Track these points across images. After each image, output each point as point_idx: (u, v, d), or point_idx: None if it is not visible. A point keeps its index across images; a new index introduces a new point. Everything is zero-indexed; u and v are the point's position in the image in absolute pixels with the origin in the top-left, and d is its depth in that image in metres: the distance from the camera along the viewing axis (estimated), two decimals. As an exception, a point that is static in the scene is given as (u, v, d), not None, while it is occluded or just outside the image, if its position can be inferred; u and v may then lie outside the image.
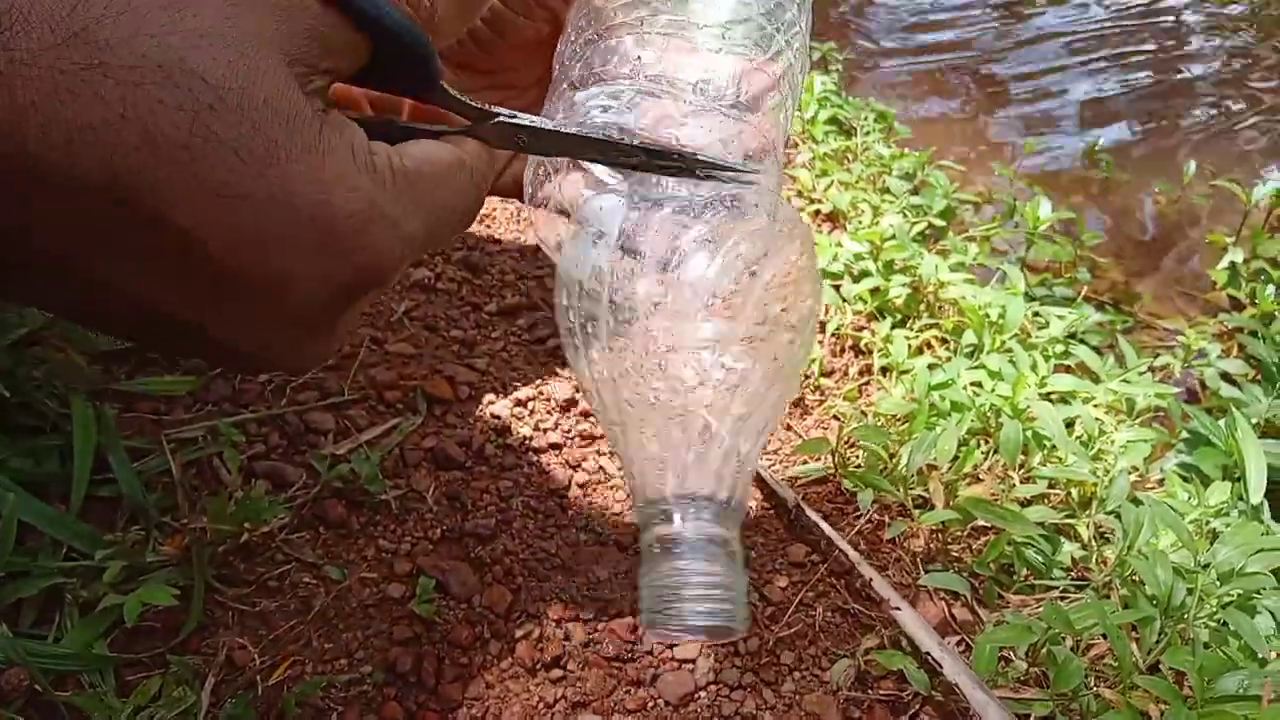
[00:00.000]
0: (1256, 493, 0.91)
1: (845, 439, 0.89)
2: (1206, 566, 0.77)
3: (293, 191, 0.25)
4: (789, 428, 0.96)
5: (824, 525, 0.81)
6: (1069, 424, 0.96)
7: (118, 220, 0.23)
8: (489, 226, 1.18)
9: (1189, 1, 2.60)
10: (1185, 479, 1.02)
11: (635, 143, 0.35)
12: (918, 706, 0.70)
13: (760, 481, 0.87)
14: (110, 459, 0.71)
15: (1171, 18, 2.56)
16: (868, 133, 1.55)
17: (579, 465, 0.86)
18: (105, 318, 0.28)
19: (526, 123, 0.36)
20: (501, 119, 0.35)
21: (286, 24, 0.26)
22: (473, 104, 0.35)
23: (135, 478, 0.71)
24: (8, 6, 0.22)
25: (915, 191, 1.44)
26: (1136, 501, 0.83)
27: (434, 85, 0.33)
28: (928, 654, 0.69)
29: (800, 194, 1.36)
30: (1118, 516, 0.82)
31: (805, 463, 0.90)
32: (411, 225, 0.30)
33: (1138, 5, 2.60)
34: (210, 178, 0.24)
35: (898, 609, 0.73)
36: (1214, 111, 2.20)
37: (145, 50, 0.23)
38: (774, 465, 0.90)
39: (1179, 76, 2.32)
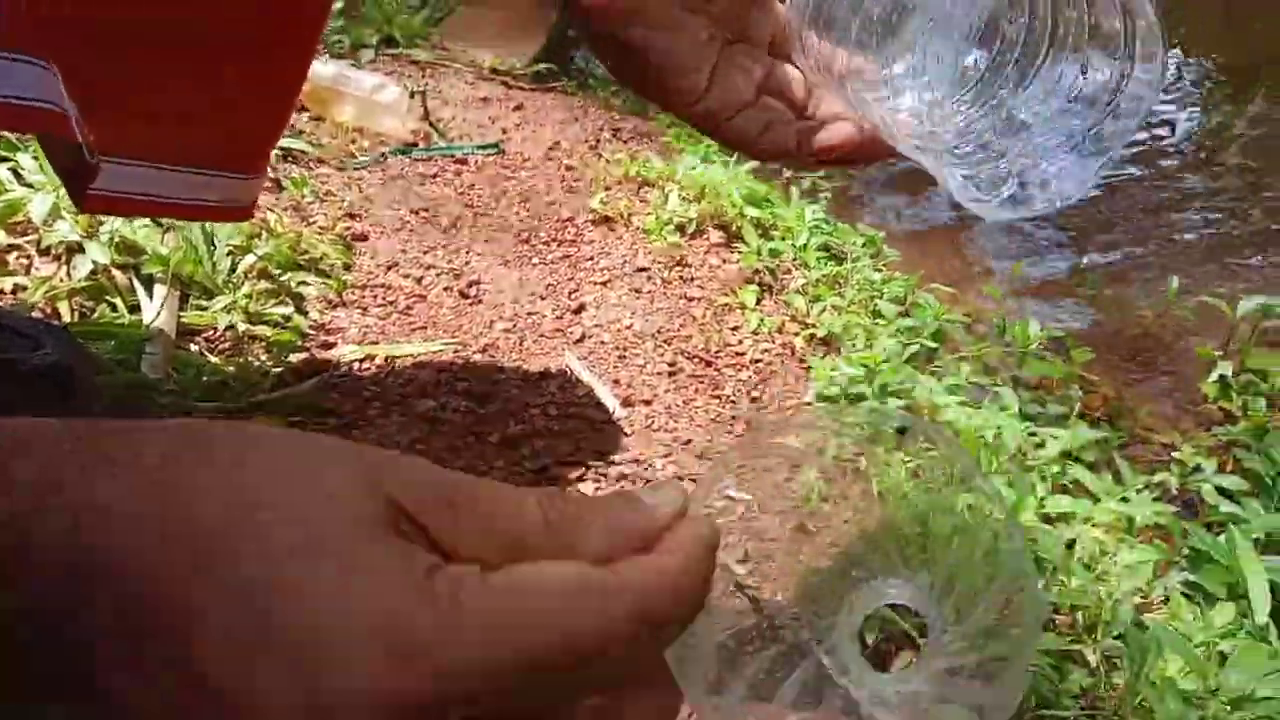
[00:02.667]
0: (1261, 612, 0.91)
1: (848, 565, 0.89)
2: (1216, 692, 0.76)
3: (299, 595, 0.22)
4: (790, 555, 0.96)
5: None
6: (1070, 545, 0.97)
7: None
8: (494, 355, 1.21)
9: (1182, 135, 2.70)
10: (1190, 597, 1.02)
11: None
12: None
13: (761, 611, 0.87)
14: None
15: (1164, 139, 2.66)
16: (857, 258, 1.60)
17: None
18: None
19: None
20: None
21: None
22: None
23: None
24: None
25: (906, 313, 1.48)
26: (1142, 626, 0.83)
27: None
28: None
29: (794, 318, 1.40)
30: (1126, 641, 0.82)
31: (809, 590, 0.90)
32: (463, 659, 0.23)
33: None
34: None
35: (908, 742, 0.72)
36: (1198, 233, 2.26)
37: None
38: (776, 597, 0.90)
39: (1164, 195, 2.40)
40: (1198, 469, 1.32)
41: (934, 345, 1.40)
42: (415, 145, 1.72)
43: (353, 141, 1.69)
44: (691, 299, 1.43)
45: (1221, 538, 1.06)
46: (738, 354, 1.31)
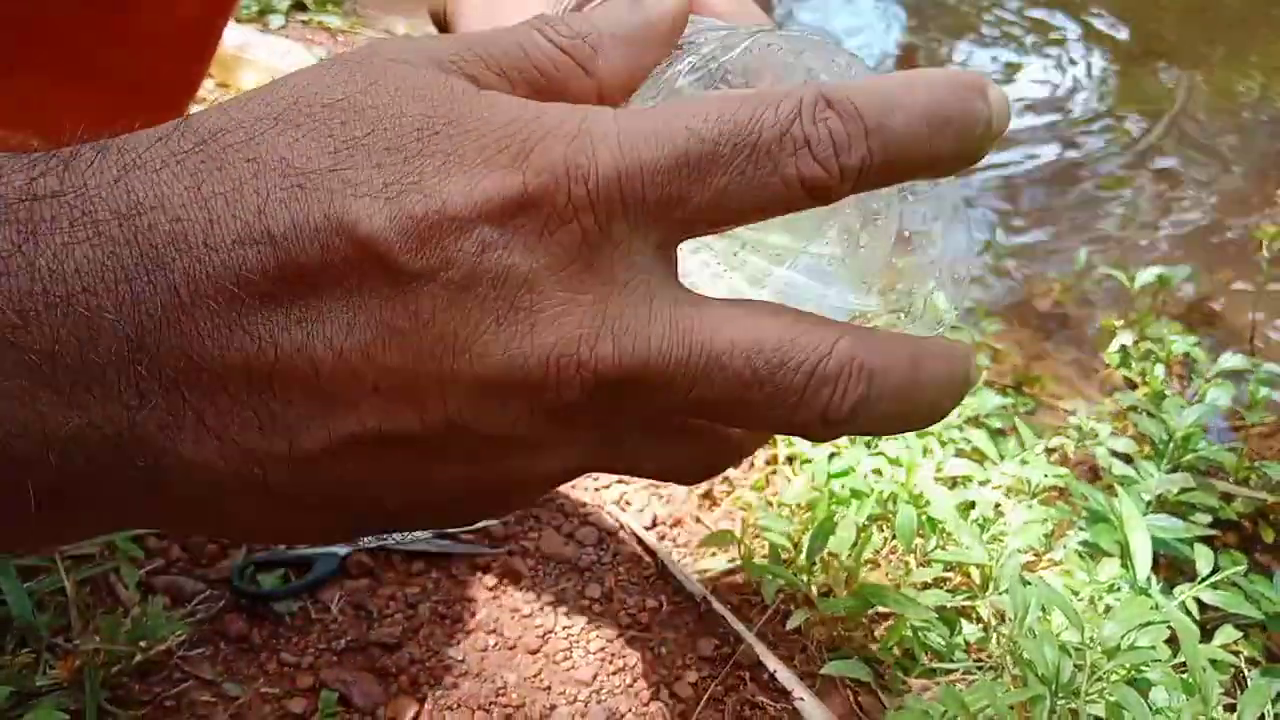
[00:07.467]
0: (1143, 568, 0.96)
1: (752, 529, 0.91)
2: (1093, 641, 0.80)
3: None
4: (698, 520, 0.98)
5: (730, 617, 0.82)
6: (969, 507, 1.00)
7: None
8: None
9: (1084, 114, 2.77)
10: (1089, 555, 1.06)
11: None
12: (823, 797, 0.71)
13: (668, 575, 0.89)
14: (-1, 580, 0.70)
15: (1071, 114, 2.73)
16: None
17: (488, 568, 0.86)
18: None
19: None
20: None
21: None
22: None
23: (26, 597, 0.70)
24: None
25: (820, 285, 1.50)
26: (1026, 582, 0.86)
27: None
28: (830, 743, 0.70)
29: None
30: (1011, 597, 0.85)
31: (713, 555, 0.92)
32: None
33: (1042, 108, 2.78)
34: None
35: (801, 699, 0.74)
36: (1106, 211, 2.34)
37: None
38: (683, 560, 0.92)
39: (1074, 176, 2.47)
40: (1094, 433, 1.37)
41: (845, 316, 1.43)
42: (327, 116, 1.69)
43: (262, 112, 1.64)
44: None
45: (1116, 499, 1.11)
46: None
